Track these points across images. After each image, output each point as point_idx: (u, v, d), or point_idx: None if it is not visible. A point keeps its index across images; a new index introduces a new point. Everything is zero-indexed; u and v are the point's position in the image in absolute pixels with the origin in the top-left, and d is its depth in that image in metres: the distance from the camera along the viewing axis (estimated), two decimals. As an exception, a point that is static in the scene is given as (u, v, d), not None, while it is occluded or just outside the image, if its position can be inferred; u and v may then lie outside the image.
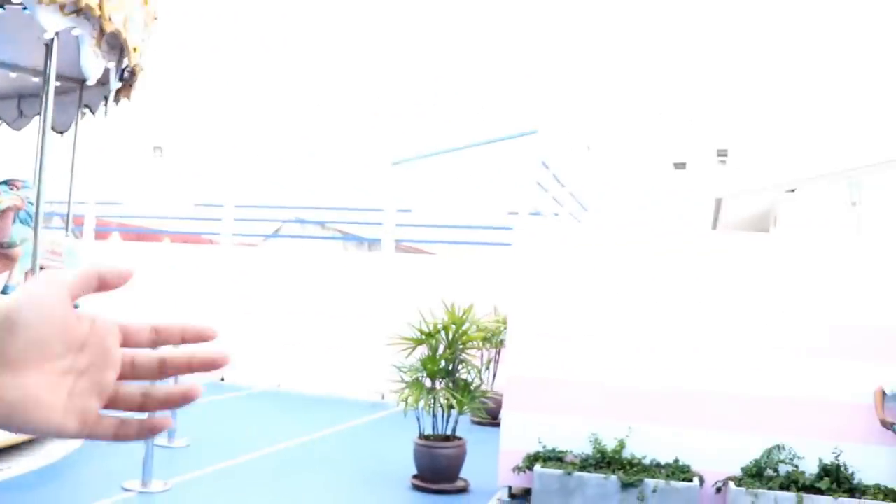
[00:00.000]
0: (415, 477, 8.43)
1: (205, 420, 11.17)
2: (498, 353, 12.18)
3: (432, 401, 8.32)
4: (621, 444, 7.86)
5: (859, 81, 14.76)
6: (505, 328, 10.16)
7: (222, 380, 15.32)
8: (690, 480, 7.63)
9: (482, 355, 12.05)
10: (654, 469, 7.82)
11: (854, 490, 7.51)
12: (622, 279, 8.23)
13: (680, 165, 28.46)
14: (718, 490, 7.77)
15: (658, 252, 8.26)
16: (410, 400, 8.23)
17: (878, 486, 7.54)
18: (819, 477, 7.59)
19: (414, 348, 8.66)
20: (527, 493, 8.12)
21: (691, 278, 8.15)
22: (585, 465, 7.81)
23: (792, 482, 7.54)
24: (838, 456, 7.65)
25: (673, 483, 7.51)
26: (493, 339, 11.84)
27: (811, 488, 7.50)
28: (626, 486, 7.50)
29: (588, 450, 7.96)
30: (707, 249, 8.22)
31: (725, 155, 23.51)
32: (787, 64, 17.21)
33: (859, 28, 14.73)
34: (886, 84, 14.18)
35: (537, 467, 7.80)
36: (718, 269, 8.18)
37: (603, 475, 7.61)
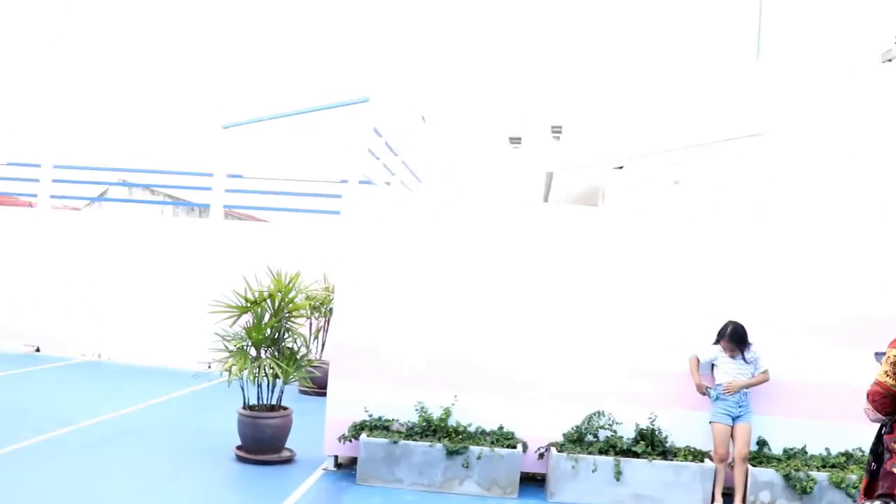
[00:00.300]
0: (238, 448, 8.27)
1: (16, 392, 10.63)
2: (327, 321, 12.08)
3: (257, 370, 8.15)
4: (447, 413, 7.89)
5: (683, 66, 15.38)
6: (333, 296, 10.04)
7: (37, 350, 14.66)
8: (514, 447, 7.76)
9: (311, 324, 11.91)
10: (479, 436, 7.91)
11: (667, 452, 7.82)
12: (451, 250, 8.23)
13: (515, 140, 28.94)
14: (541, 456, 7.92)
15: (489, 224, 8.29)
16: (234, 369, 8.02)
17: (688, 448, 7.87)
18: (636, 441, 7.86)
19: (239, 316, 8.43)
20: (353, 462, 8.11)
21: (520, 250, 8.22)
22: (411, 433, 7.85)
23: (611, 447, 7.78)
24: (653, 421, 7.96)
25: (497, 450, 7.63)
26: (322, 308, 11.79)
27: (628, 452, 7.78)
28: (451, 453, 7.56)
29: (414, 418, 7.97)
30: (537, 222, 8.30)
31: (560, 131, 24.05)
32: (620, 45, 17.76)
33: (686, 15, 15.34)
34: (708, 69, 14.83)
35: (363, 436, 7.75)
36: (548, 241, 8.28)
37: (429, 443, 7.65)
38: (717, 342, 7.86)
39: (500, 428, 8.01)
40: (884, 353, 3.77)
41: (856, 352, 7.91)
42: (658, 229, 8.35)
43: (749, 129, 13.16)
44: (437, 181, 21.82)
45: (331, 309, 11.35)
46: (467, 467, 7.58)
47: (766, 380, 7.79)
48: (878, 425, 3.80)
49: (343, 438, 7.92)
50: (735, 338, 7.67)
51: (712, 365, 7.90)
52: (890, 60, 10.24)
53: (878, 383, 3.68)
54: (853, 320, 8.12)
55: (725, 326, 7.75)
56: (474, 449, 7.63)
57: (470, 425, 7.99)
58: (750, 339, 7.79)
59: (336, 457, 8.16)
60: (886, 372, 3.64)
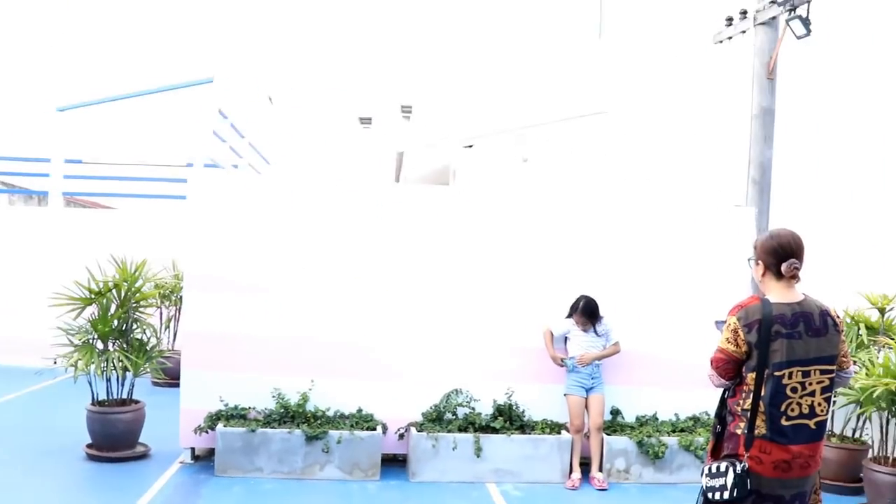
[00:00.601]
0: (89, 446, 7.95)
1: None
2: (178, 310, 11.68)
3: (105, 364, 7.81)
4: (305, 398, 7.80)
5: (529, 45, 15.63)
6: (183, 284, 9.59)
7: None
8: (374, 429, 7.74)
9: (161, 313, 11.44)
10: (339, 420, 7.86)
11: (525, 426, 7.98)
12: (303, 232, 8.11)
13: (366, 120, 28.78)
14: (401, 437, 7.93)
15: (340, 205, 8.20)
16: (80, 364, 7.69)
17: (545, 421, 8.06)
18: (494, 417, 7.98)
19: (83, 308, 8.09)
20: (211, 453, 7.94)
21: (372, 231, 8.17)
22: (269, 420, 7.70)
23: (470, 424, 7.88)
24: (511, 396, 8.10)
25: (357, 433, 7.59)
26: (172, 296, 11.45)
27: (487, 428, 7.89)
28: (310, 438, 7.48)
29: (272, 405, 7.83)
30: (389, 202, 8.25)
31: (409, 111, 24.05)
32: (468, 25, 17.87)
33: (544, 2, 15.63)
34: (553, 48, 15.13)
35: (220, 426, 7.57)
36: (400, 221, 8.26)
37: (287, 430, 7.54)
38: (569, 316, 8.02)
39: (360, 410, 7.97)
40: (724, 322, 3.97)
41: (699, 322, 8.04)
42: (509, 207, 8.46)
43: (592, 108, 13.55)
44: (287, 163, 21.47)
45: (181, 297, 10.95)
46: (328, 452, 7.52)
47: (617, 351, 8.03)
48: (722, 390, 4.00)
49: (199, 430, 7.72)
50: (587, 311, 7.86)
51: (566, 338, 8.09)
52: (721, 42, 10.72)
53: (720, 350, 3.86)
54: (696, 292, 8.46)
55: (578, 300, 7.93)
56: (334, 433, 7.58)
57: (329, 409, 7.89)
58: (601, 313, 7.98)
59: (193, 449, 7.96)
60: (728, 339, 3.82)
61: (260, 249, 8.06)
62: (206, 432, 7.72)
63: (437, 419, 7.94)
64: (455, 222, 8.37)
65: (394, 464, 8.09)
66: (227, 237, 8.03)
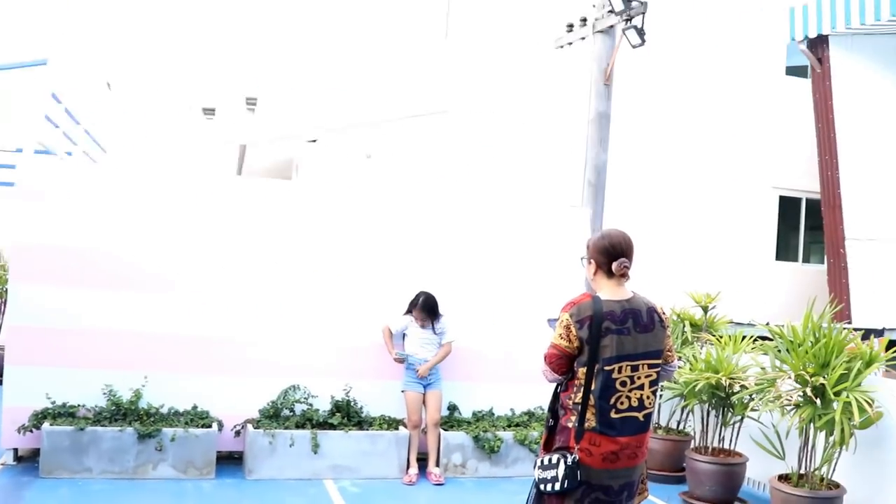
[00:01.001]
0: None
1: None
2: (4, 303, 11.19)
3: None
4: (137, 395, 7.54)
5: (376, 42, 15.63)
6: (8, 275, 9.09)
7: None
8: (209, 426, 7.59)
9: (-16, 306, 11.01)
10: (173, 418, 7.66)
11: (363, 422, 7.98)
12: (137, 224, 7.81)
13: (209, 111, 28.05)
14: (237, 433, 7.82)
15: (179, 196, 7.97)
16: None
17: (383, 417, 8.11)
18: (332, 413, 7.97)
19: None
20: (36, 454, 7.48)
21: (211, 223, 7.97)
22: (100, 419, 7.39)
23: (307, 420, 7.82)
24: (349, 392, 8.08)
25: (192, 430, 7.41)
26: (-2, 289, 11.28)
27: (325, 424, 7.85)
28: (143, 436, 7.24)
29: (102, 403, 7.51)
30: (229, 194, 8.08)
31: (254, 103, 23.63)
32: (315, 20, 17.67)
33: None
34: (400, 46, 15.18)
35: (46, 425, 7.20)
36: (241, 214, 8.09)
37: (118, 428, 7.25)
38: (408, 312, 8.07)
39: (195, 407, 7.77)
40: (557, 319, 4.10)
41: (535, 319, 8.30)
42: (351, 202, 8.44)
43: (435, 107, 13.66)
44: (125, 152, 20.63)
45: (6, 289, 10.14)
46: (161, 450, 7.30)
47: (448, 352, 8.08)
48: (555, 385, 4.11)
49: (23, 429, 7.31)
50: (426, 308, 7.94)
51: (404, 334, 8.14)
52: (562, 47, 11.01)
53: (553, 346, 3.96)
54: (532, 290, 8.67)
55: (417, 296, 8.00)
56: (167, 431, 7.36)
57: (163, 406, 7.67)
58: (441, 311, 8.03)
59: (16, 450, 7.51)
60: (560, 335, 3.93)
61: (91, 241, 7.72)
62: (31, 431, 7.32)
63: (274, 416, 7.85)
64: (296, 216, 8.28)
65: (230, 462, 7.94)
66: (56, 227, 7.67)
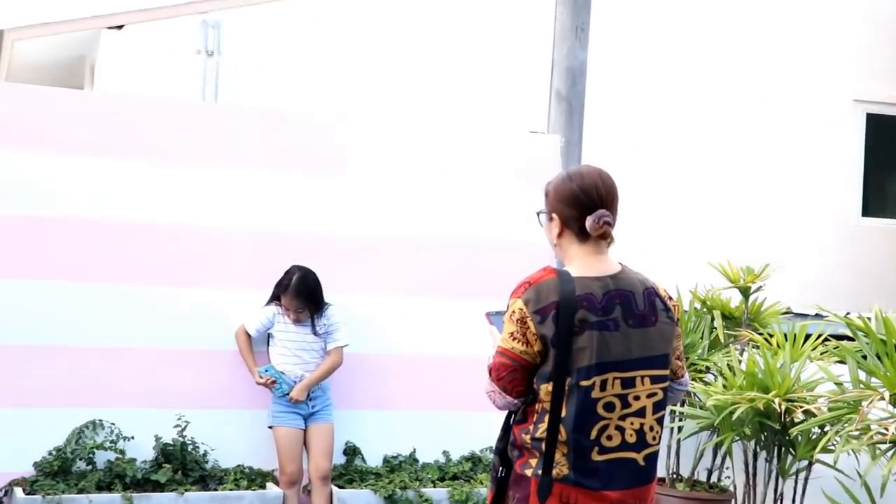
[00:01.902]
0: None
1: None
2: None
3: None
4: None
5: None
6: None
7: None
8: None
9: None
10: None
11: (207, 478, 7.42)
12: None
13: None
14: None
15: None
16: None
17: (240, 469, 7.69)
18: (157, 464, 7.27)
19: None
20: None
21: None
22: None
23: (117, 477, 7.17)
24: (184, 430, 7.36)
25: None
26: None
27: (145, 483, 7.24)
28: None
29: None
30: None
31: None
32: None
33: None
34: None
35: None
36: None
37: None
38: (273, 300, 7.31)
39: None
40: (502, 312, 4.08)
41: (472, 307, 7.36)
42: (179, 119, 7.91)
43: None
44: None
45: None
46: None
47: (338, 363, 7.40)
48: (507, 414, 4.12)
49: None
50: (303, 292, 7.15)
51: (269, 335, 7.39)
52: None
53: (502, 352, 3.76)
54: (472, 266, 8.19)
55: (288, 275, 7.17)
56: None
57: None
58: (327, 299, 7.28)
59: None
60: (512, 334, 3.78)
61: None
62: None
63: (60, 472, 6.94)
64: (93, 142, 7.44)
65: None
66: None
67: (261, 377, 7.32)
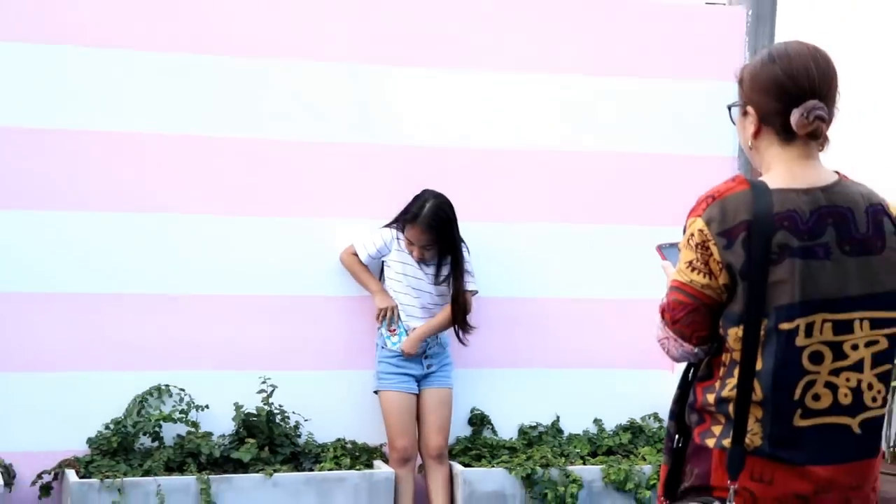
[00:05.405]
0: None
1: None
2: None
3: None
4: None
5: None
6: None
7: None
8: None
9: None
10: None
11: (300, 455, 7.44)
12: None
13: None
14: (46, 489, 7.03)
15: None
16: None
17: (340, 444, 7.68)
18: (238, 439, 7.26)
19: None
20: None
21: None
22: None
23: (190, 455, 7.24)
24: (270, 396, 7.37)
25: None
26: None
27: (225, 462, 7.23)
28: None
29: None
30: None
31: None
32: None
33: None
34: None
35: None
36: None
37: None
38: (394, 223, 7.10)
39: None
40: (677, 244, 3.79)
41: (632, 240, 7.89)
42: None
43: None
44: None
45: None
46: None
47: (466, 311, 7.25)
48: (685, 367, 3.84)
49: None
50: (436, 225, 6.96)
51: (382, 267, 7.17)
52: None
53: (678, 287, 3.53)
54: (634, 187, 8.00)
55: (420, 200, 7.09)
56: None
57: None
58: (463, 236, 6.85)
59: None
60: (691, 263, 3.46)
61: None
62: None
63: (120, 450, 6.87)
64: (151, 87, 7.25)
65: None
66: None
67: (383, 301, 7.24)
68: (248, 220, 7.62)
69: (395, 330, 7.09)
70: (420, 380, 7.21)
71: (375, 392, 7.23)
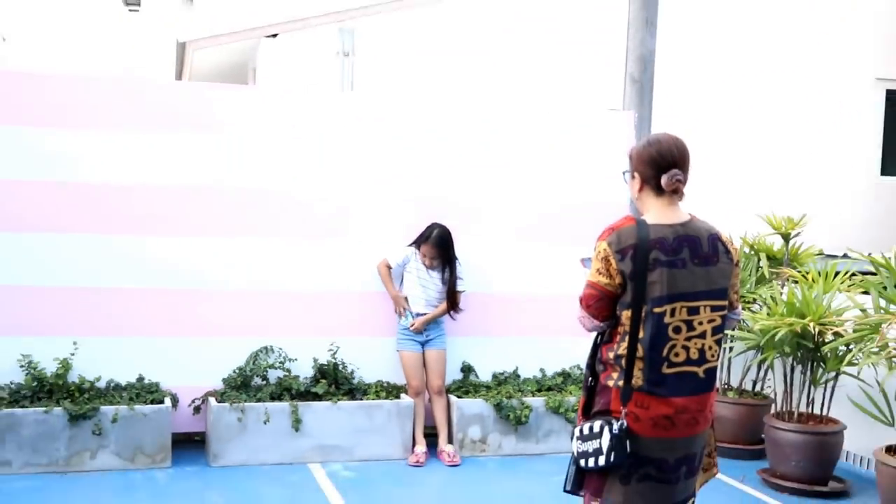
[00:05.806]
0: None
1: None
2: None
3: None
4: (66, 366, 7.18)
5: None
6: None
7: None
8: (161, 402, 7.24)
9: None
10: (113, 393, 7.28)
11: (355, 391, 7.80)
12: (54, 143, 7.39)
13: (133, 3, 27.87)
14: (197, 410, 7.53)
15: (106, 103, 7.54)
16: None
17: (380, 383, 7.96)
18: (315, 380, 7.74)
19: None
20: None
21: (149, 141, 7.57)
22: (18, 398, 7.03)
23: (285, 390, 7.60)
24: (335, 353, 7.81)
25: (138, 408, 7.05)
26: None
27: (307, 394, 7.64)
28: (75, 418, 6.90)
29: (20, 378, 7.14)
30: (169, 101, 7.73)
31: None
32: None
33: None
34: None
35: (-57, 410, 6.80)
36: (187, 126, 7.69)
37: (43, 408, 6.89)
38: (414, 243, 7.83)
39: (141, 379, 7.45)
40: (589, 258, 4.23)
41: (566, 255, 8.02)
42: (330, 109, 8.12)
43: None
44: (30, 49, 20.64)
45: None
46: (100, 434, 6.96)
47: (457, 303, 7.91)
48: (595, 335, 4.27)
49: None
50: (440, 244, 7.71)
51: (403, 273, 7.93)
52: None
53: (590, 285, 3.99)
54: (563, 218, 8.49)
55: (430, 229, 7.73)
56: (107, 409, 6.98)
57: (99, 379, 7.31)
58: (457, 253, 7.85)
59: None
60: (598, 270, 4.02)
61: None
62: (-73, 416, 6.86)
63: (242, 386, 7.58)
64: (259, 128, 7.88)
65: (189, 446, 7.64)
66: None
67: (397, 300, 7.95)
68: (337, 243, 8.08)
69: (405, 315, 7.87)
70: (423, 343, 7.96)
71: (398, 351, 7.98)
